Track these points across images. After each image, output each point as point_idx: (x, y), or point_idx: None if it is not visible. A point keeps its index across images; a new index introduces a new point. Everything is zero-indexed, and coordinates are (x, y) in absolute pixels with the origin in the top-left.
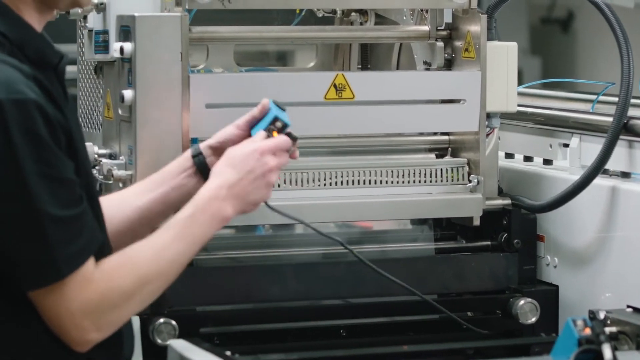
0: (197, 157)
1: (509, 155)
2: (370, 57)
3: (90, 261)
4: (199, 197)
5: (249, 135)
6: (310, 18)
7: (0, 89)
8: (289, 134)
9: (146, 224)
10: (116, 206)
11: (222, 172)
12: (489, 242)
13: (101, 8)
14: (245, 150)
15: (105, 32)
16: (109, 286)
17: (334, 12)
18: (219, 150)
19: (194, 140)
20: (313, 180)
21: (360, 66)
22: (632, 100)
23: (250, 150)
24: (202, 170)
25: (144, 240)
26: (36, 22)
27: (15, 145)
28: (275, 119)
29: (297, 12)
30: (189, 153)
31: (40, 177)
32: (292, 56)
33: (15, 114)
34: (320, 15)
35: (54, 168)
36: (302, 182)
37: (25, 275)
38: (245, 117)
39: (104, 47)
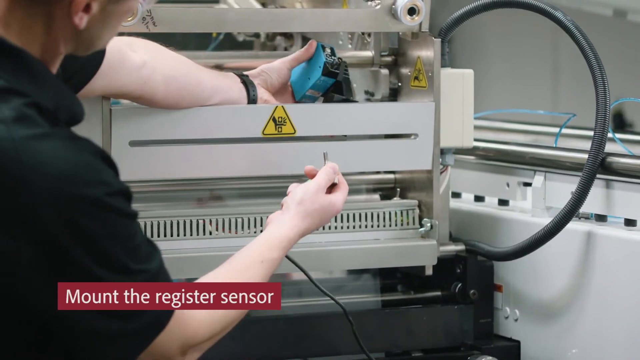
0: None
1: (456, 195)
2: None
3: None
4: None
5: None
6: (226, 42)
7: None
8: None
9: None
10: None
11: (299, 221)
12: (439, 293)
13: None
14: (330, 210)
15: None
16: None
17: (257, 35)
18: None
19: None
20: (248, 227)
21: None
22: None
23: (334, 209)
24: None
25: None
26: (54, 68)
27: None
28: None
29: (214, 35)
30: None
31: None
32: None
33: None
34: (241, 39)
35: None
36: (235, 228)
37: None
38: (290, 57)
39: None
